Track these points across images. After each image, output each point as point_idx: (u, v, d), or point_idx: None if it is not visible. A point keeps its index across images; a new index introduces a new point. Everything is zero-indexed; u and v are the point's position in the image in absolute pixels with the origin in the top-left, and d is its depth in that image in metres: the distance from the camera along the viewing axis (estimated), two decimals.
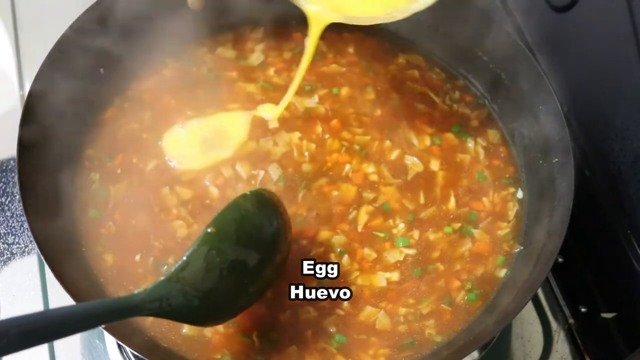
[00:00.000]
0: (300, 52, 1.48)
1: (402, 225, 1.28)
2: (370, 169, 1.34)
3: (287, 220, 1.19)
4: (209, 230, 1.07)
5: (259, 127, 1.38)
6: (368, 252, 1.25)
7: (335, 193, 1.31)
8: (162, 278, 1.03)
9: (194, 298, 1.04)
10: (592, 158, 1.39)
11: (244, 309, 1.13)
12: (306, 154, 1.35)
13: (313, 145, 1.36)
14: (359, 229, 1.28)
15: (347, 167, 1.34)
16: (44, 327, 0.91)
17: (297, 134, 1.36)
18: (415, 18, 1.45)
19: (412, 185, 1.33)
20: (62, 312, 0.95)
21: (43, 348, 1.33)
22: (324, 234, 1.27)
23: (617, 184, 1.34)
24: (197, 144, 1.35)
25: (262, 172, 1.32)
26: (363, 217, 1.29)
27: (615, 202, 1.34)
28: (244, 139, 1.36)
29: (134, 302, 1.01)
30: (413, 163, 1.35)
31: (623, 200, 1.33)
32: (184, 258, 1.04)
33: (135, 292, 1.02)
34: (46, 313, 0.92)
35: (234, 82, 1.44)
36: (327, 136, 1.37)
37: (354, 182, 1.33)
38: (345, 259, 1.24)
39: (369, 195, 1.31)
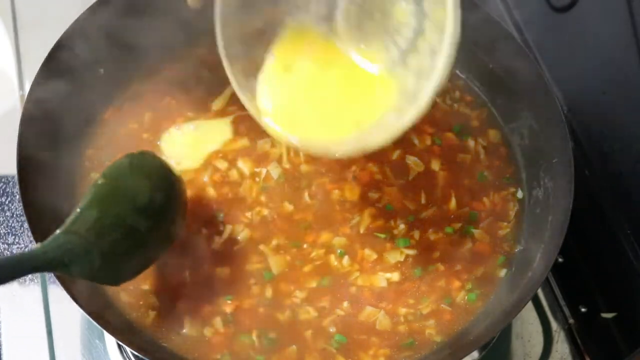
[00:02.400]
0: None
1: (402, 226, 1.28)
2: (374, 168, 1.34)
3: (180, 180, 1.23)
4: (99, 181, 1.10)
5: (255, 128, 1.38)
6: (369, 253, 1.25)
7: (337, 194, 1.31)
8: (57, 231, 1.03)
9: (92, 249, 1.04)
10: (592, 158, 1.39)
11: (145, 264, 1.15)
12: (301, 155, 1.35)
13: None
14: (361, 230, 1.28)
15: (353, 167, 1.34)
16: None
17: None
18: None
19: (413, 185, 1.33)
20: None
21: (43, 348, 1.33)
22: (325, 236, 1.27)
23: (617, 184, 1.34)
24: (192, 144, 1.35)
25: (264, 170, 1.32)
26: (366, 220, 1.29)
27: (615, 202, 1.35)
28: (230, 137, 1.36)
29: (32, 257, 1.00)
30: (414, 163, 1.35)
31: (623, 200, 1.33)
32: (77, 210, 1.05)
33: (33, 247, 1.02)
34: None
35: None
36: None
37: (361, 181, 1.32)
38: (346, 260, 1.25)
39: (374, 195, 1.31)
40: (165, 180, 1.19)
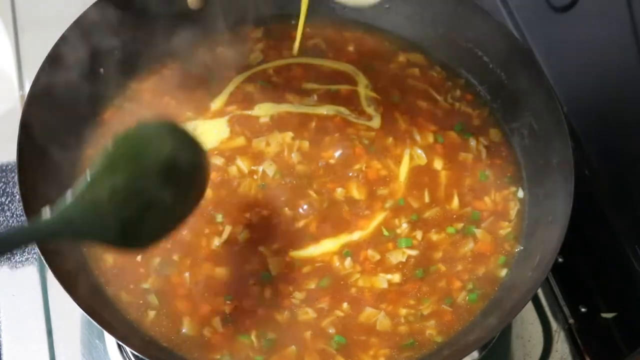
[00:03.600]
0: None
1: (405, 225, 1.28)
2: (379, 165, 1.34)
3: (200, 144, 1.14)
4: (110, 147, 1.03)
5: (250, 127, 1.38)
6: (372, 254, 1.25)
7: (340, 192, 1.31)
8: (68, 199, 0.98)
9: (106, 215, 0.98)
10: (592, 158, 1.39)
11: (164, 231, 1.08)
12: (293, 155, 1.34)
13: (306, 143, 1.36)
14: (370, 227, 1.28)
15: (357, 165, 1.34)
16: None
17: (289, 134, 1.36)
18: (416, 18, 1.46)
19: (416, 182, 1.33)
20: None
21: (43, 348, 1.33)
22: (329, 238, 1.27)
23: (617, 184, 1.34)
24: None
25: (260, 168, 1.32)
26: (373, 216, 1.29)
27: (615, 202, 1.34)
28: (227, 135, 1.36)
29: (44, 226, 0.97)
30: (418, 156, 1.35)
31: (623, 200, 1.33)
32: (87, 176, 0.99)
33: (43, 215, 0.97)
34: None
35: (233, 82, 1.44)
36: (327, 133, 1.37)
37: (369, 177, 1.33)
38: (348, 262, 1.24)
39: (383, 191, 1.31)
40: (184, 143, 1.10)
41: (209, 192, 1.29)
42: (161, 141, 1.07)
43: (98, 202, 0.99)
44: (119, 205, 1.00)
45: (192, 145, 1.11)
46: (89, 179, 0.99)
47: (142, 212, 1.02)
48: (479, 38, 1.43)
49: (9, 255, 1.43)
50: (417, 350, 1.19)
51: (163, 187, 1.04)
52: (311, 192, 1.30)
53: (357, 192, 1.31)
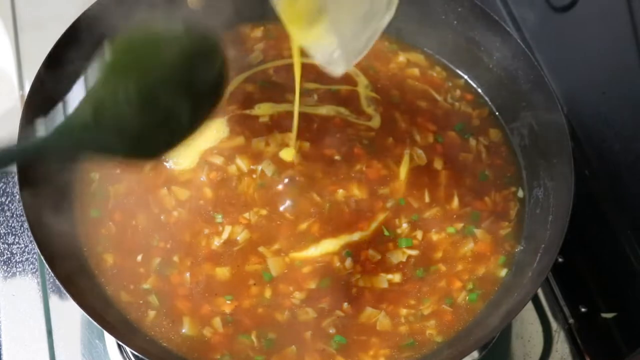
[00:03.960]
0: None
1: (405, 225, 1.28)
2: (379, 165, 1.34)
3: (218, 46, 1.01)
4: (106, 55, 0.93)
5: (250, 127, 1.38)
6: (372, 254, 1.25)
7: (341, 192, 1.31)
8: (69, 114, 0.92)
9: (108, 126, 0.90)
10: (592, 158, 1.39)
11: (174, 143, 0.99)
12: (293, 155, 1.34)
13: (306, 143, 1.35)
14: (371, 228, 1.28)
15: (357, 165, 1.33)
16: None
17: (289, 134, 1.35)
18: (416, 18, 1.46)
19: (416, 182, 1.33)
20: None
21: (43, 348, 1.33)
22: (329, 238, 1.27)
23: (617, 184, 1.34)
24: (189, 144, 1.34)
25: (259, 168, 1.32)
26: (373, 217, 1.29)
27: (615, 202, 1.35)
28: (226, 135, 1.36)
29: (42, 140, 0.91)
30: (418, 156, 1.35)
31: (623, 200, 1.33)
32: (90, 90, 0.92)
33: (37, 125, 0.91)
34: None
35: (233, 82, 1.44)
36: (327, 133, 1.37)
37: (369, 177, 1.33)
38: (348, 262, 1.24)
39: (383, 191, 1.31)
40: (206, 48, 0.99)
41: (208, 192, 1.29)
42: (179, 47, 0.96)
43: (99, 112, 0.91)
44: (123, 116, 0.91)
45: (213, 49, 1.00)
46: (88, 87, 0.92)
47: (149, 125, 0.93)
48: (479, 38, 1.43)
49: (9, 255, 1.44)
50: (417, 350, 1.19)
51: (180, 99, 0.94)
52: (311, 193, 1.30)
53: (357, 192, 1.31)
